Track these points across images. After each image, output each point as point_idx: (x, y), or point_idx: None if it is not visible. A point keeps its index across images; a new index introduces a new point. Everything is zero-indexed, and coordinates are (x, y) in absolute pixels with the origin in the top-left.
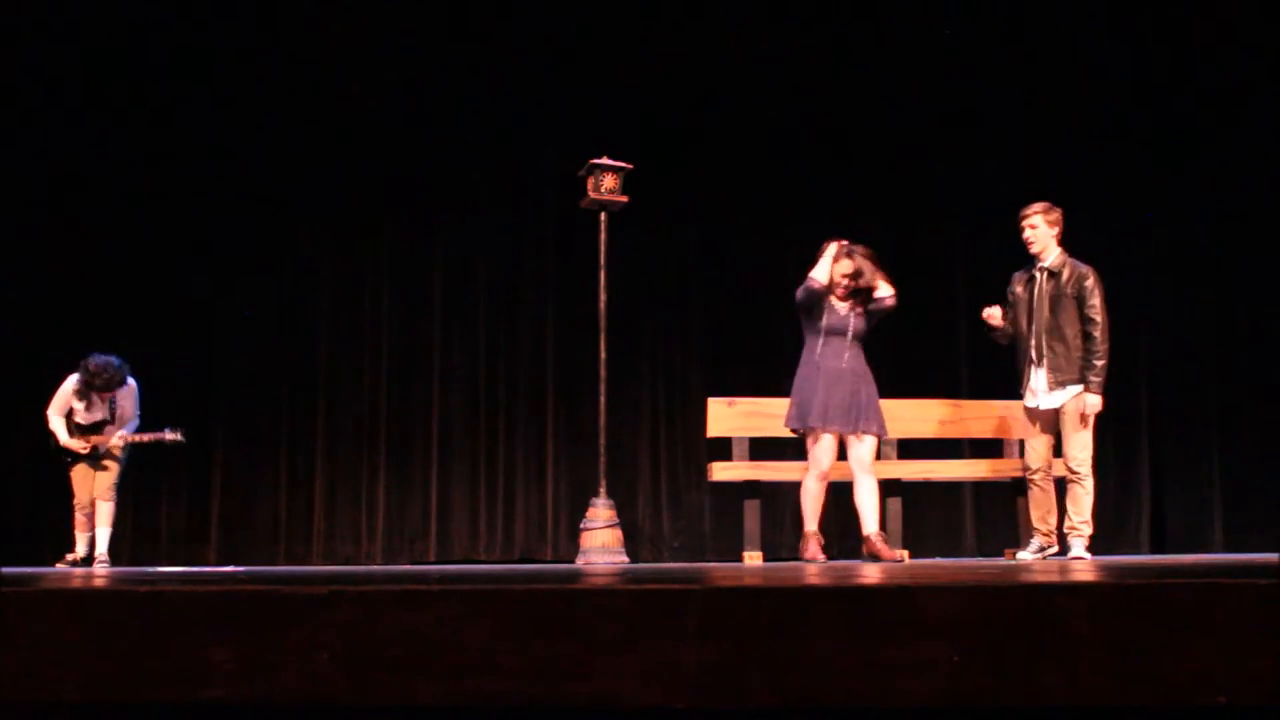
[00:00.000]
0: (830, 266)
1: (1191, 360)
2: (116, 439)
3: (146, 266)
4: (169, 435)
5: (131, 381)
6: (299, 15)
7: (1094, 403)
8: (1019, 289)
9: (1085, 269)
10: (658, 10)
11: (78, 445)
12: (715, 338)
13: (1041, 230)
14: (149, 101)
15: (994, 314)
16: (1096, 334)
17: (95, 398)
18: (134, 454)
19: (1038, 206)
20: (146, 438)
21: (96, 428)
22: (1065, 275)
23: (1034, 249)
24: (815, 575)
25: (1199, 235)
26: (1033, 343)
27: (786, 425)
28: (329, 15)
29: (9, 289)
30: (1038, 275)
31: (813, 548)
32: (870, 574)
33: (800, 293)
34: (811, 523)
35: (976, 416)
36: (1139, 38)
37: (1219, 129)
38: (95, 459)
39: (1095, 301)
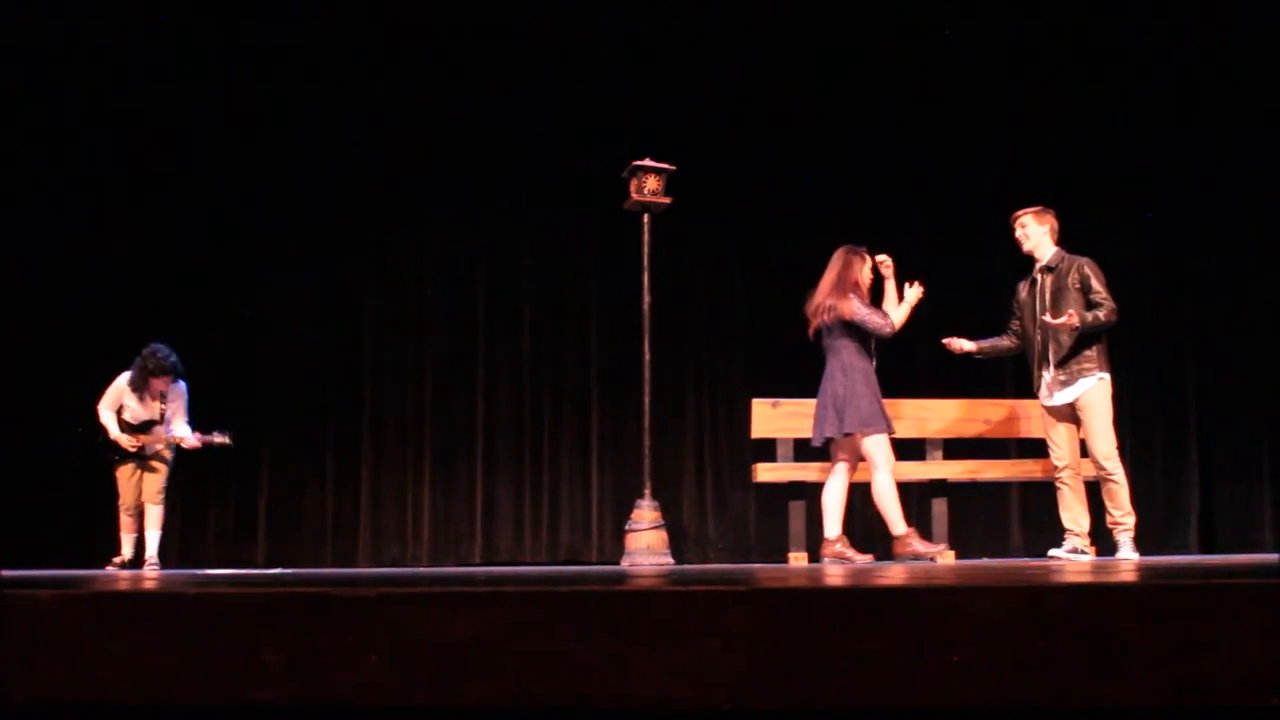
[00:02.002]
0: (907, 311)
1: (1240, 357)
2: (164, 444)
3: (194, 269)
4: (217, 438)
5: (182, 383)
6: (342, 14)
7: (1074, 320)
8: (1023, 295)
9: (1083, 260)
10: (700, 12)
11: (126, 441)
12: (759, 339)
13: (1033, 230)
14: (197, 105)
15: (958, 343)
16: (1101, 313)
17: (147, 393)
18: (180, 456)
19: (1028, 209)
20: (196, 440)
21: (145, 427)
22: (1064, 268)
23: (1026, 248)
24: (860, 576)
25: (1247, 226)
26: (1038, 340)
27: (877, 430)
28: (373, 16)
29: (60, 295)
30: (1039, 276)
31: (922, 542)
32: (916, 576)
33: (887, 333)
34: (904, 521)
35: (1023, 416)
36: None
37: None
38: (142, 459)
39: (1099, 286)
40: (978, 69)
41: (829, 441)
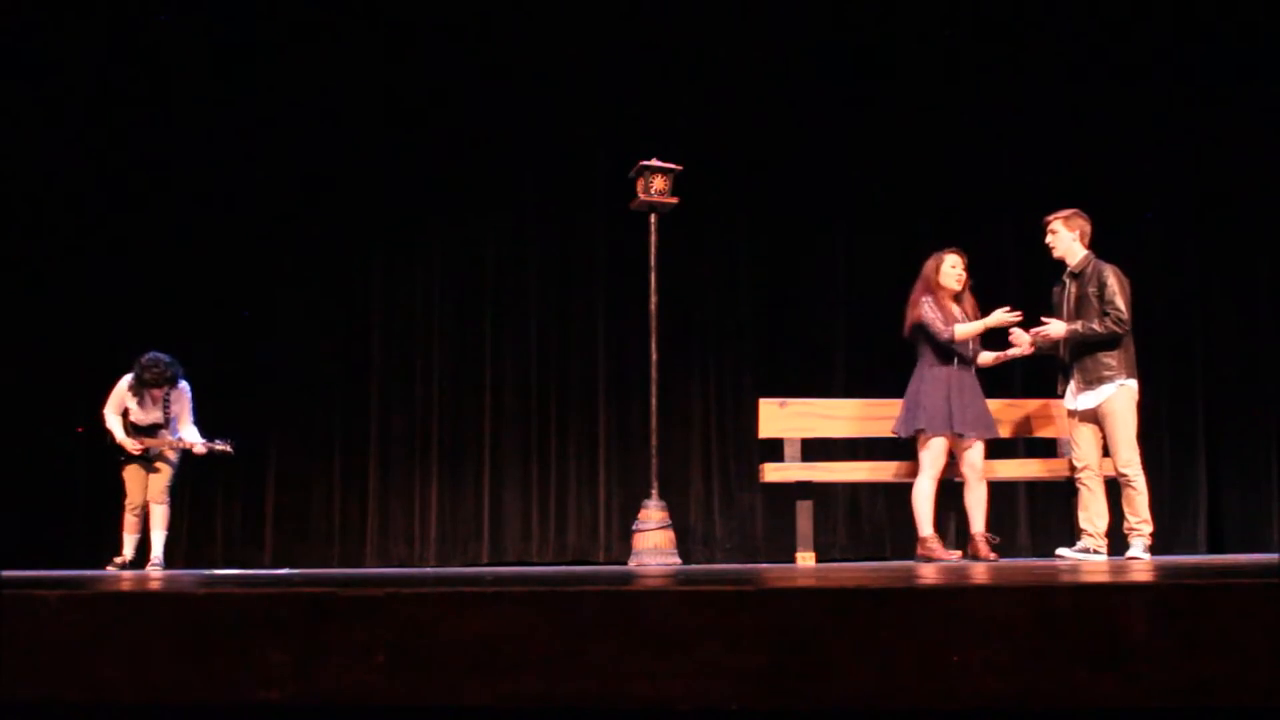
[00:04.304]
0: (978, 328)
1: (1250, 356)
2: (169, 447)
3: (202, 270)
4: (219, 445)
5: (185, 384)
6: (347, 15)
7: (1055, 328)
8: (1056, 299)
9: (1106, 268)
10: (707, 11)
11: (131, 445)
12: (766, 338)
13: (1062, 235)
14: (202, 107)
15: (1019, 337)
16: (1107, 324)
17: (148, 397)
18: (187, 458)
19: (1059, 213)
20: (198, 448)
21: (150, 430)
22: (1087, 274)
23: (1056, 254)
24: (868, 577)
25: (1254, 224)
26: (1063, 345)
27: (927, 434)
28: (378, 16)
29: (68, 295)
30: (1066, 281)
31: (941, 549)
32: (923, 575)
33: (944, 339)
34: (930, 525)
35: (1030, 416)
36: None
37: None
38: (147, 461)
39: (1112, 296)
40: (980, 69)
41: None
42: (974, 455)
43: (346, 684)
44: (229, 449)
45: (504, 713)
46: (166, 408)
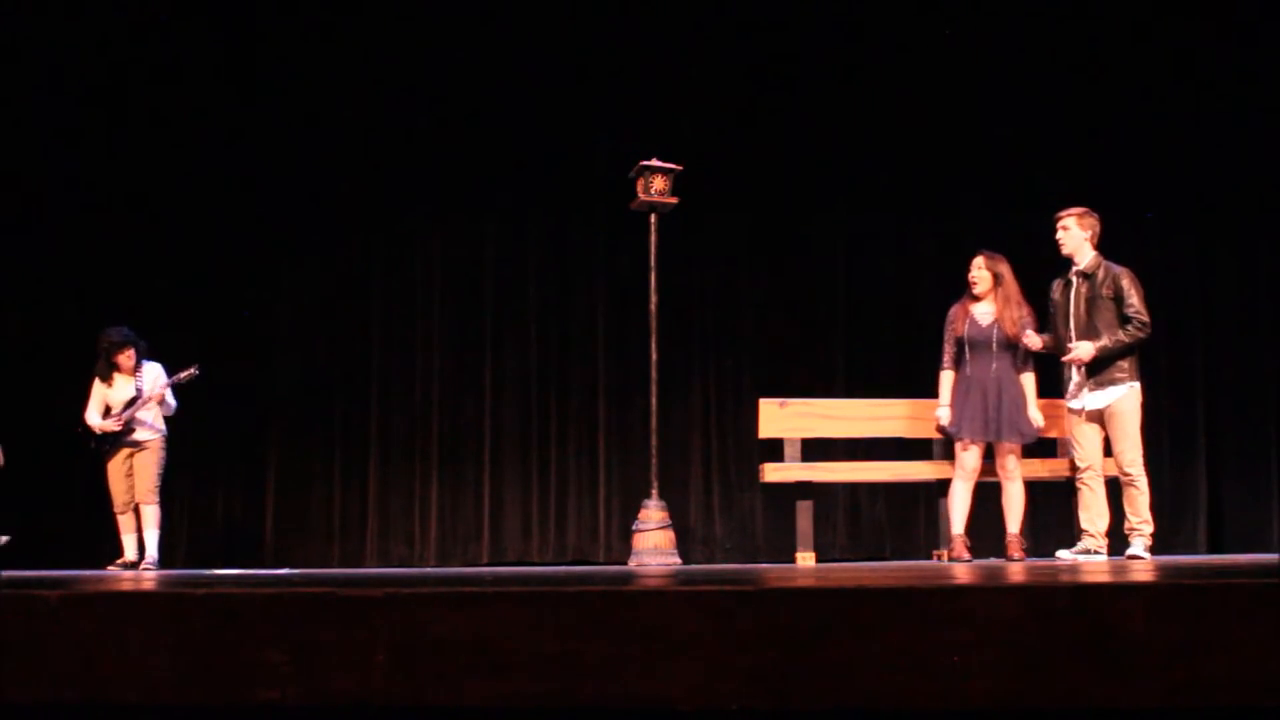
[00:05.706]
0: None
1: (1249, 357)
2: (142, 404)
3: (201, 270)
4: (183, 375)
5: (155, 364)
6: (346, 15)
7: (1084, 350)
8: (1057, 295)
9: (1120, 269)
10: (707, 10)
11: (111, 425)
12: (766, 338)
13: (1074, 233)
14: (201, 106)
15: (1032, 339)
16: (1131, 331)
17: (116, 375)
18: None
19: (1072, 210)
20: (167, 383)
21: (127, 407)
22: (1100, 277)
23: (1065, 250)
24: (868, 576)
25: (1253, 231)
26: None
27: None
28: (377, 19)
29: (68, 294)
30: (1074, 280)
31: (959, 548)
32: (923, 575)
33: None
34: (958, 525)
35: None
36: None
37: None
38: (133, 442)
39: (1134, 300)
40: (979, 68)
41: None
42: (1004, 458)
43: (346, 684)
44: (195, 372)
45: (504, 713)
46: (139, 383)
